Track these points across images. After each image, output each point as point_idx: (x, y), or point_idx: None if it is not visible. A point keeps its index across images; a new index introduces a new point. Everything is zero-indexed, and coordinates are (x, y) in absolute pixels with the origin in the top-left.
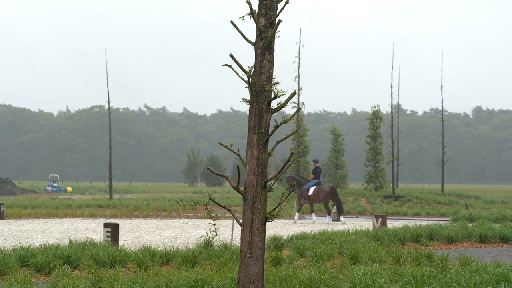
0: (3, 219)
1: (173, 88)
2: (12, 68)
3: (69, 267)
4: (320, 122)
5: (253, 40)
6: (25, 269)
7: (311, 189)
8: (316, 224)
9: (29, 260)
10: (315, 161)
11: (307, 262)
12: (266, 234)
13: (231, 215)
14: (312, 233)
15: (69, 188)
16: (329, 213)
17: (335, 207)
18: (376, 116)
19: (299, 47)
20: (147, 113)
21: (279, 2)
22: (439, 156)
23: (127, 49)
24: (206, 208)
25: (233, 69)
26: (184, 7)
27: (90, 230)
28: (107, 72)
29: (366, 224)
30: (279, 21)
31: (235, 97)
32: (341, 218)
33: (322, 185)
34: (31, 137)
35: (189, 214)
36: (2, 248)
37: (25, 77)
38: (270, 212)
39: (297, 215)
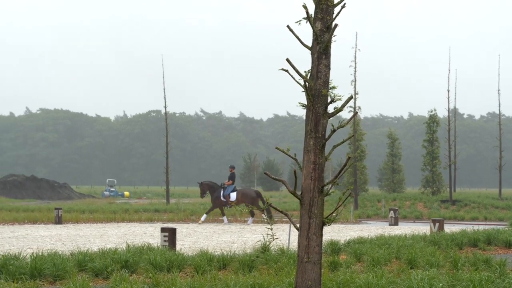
0: (61, 223)
1: (229, 93)
2: (70, 73)
3: (126, 272)
4: (377, 126)
5: (309, 45)
6: (83, 273)
7: (232, 194)
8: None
9: (87, 264)
10: (232, 167)
11: (364, 267)
12: (323, 239)
13: (288, 219)
14: (369, 237)
15: (126, 193)
16: (252, 215)
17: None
18: (433, 120)
19: (355, 51)
20: (204, 118)
21: (336, 6)
22: (496, 160)
23: (183, 54)
24: (263, 212)
25: (289, 74)
26: (239, 12)
27: (148, 234)
28: (163, 77)
29: (423, 228)
30: (336, 25)
31: (291, 101)
32: (250, 221)
33: (245, 190)
34: (88, 142)
35: (245, 219)
36: (60, 252)
37: (82, 82)
38: (327, 216)
39: (225, 218)
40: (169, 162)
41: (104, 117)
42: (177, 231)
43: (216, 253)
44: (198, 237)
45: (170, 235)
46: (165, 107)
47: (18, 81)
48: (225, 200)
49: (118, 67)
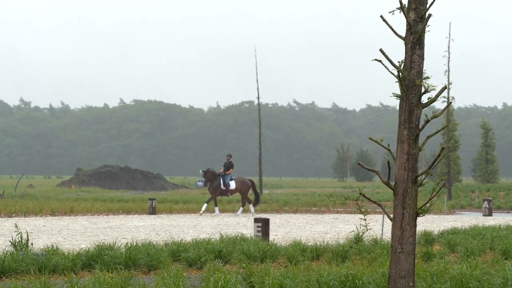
0: (155, 214)
1: (322, 83)
2: (162, 66)
3: (220, 262)
4: (470, 116)
5: (403, 35)
6: (177, 263)
7: (232, 183)
8: (235, 217)
9: (180, 254)
10: (230, 156)
11: (458, 258)
12: (416, 229)
13: (381, 210)
14: (463, 228)
15: None
16: (243, 204)
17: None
18: None
19: (449, 41)
20: (296, 109)
21: None
22: None
23: (276, 45)
24: (357, 203)
25: (383, 64)
26: (332, 2)
27: (241, 225)
28: (256, 68)
29: None
30: (429, 15)
31: (384, 91)
32: (252, 209)
33: (241, 178)
34: (181, 132)
35: (339, 209)
36: (154, 242)
37: (175, 74)
38: (421, 207)
39: (217, 209)
40: (262, 153)
41: (197, 108)
42: (270, 221)
43: (309, 244)
44: (291, 228)
45: (263, 225)
46: (258, 98)
47: (112, 73)
48: (225, 189)
49: (211, 58)
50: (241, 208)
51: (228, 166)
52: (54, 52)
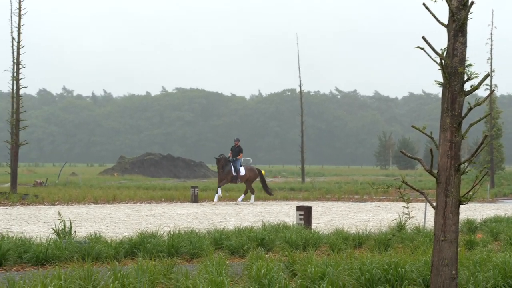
0: (197, 202)
1: (364, 71)
2: (204, 54)
3: (262, 250)
4: None
5: (445, 22)
6: (219, 251)
7: (242, 169)
8: (248, 204)
9: (223, 242)
10: (238, 140)
11: (501, 246)
12: (459, 217)
13: (423, 198)
14: (506, 216)
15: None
16: (246, 192)
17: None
18: None
19: (492, 28)
20: (338, 97)
21: None
22: None
23: (318, 33)
24: (399, 191)
25: (425, 52)
26: None
27: (283, 213)
28: (298, 56)
29: None
30: (472, 2)
31: (426, 79)
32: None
33: (250, 166)
34: (224, 121)
35: (381, 197)
36: (196, 230)
37: (217, 62)
38: (464, 195)
39: (216, 197)
40: (304, 141)
41: (239, 96)
42: (312, 209)
43: (352, 232)
44: (333, 216)
45: (306, 213)
46: (300, 86)
47: (154, 62)
48: (235, 175)
49: (253, 47)
50: (242, 196)
51: (238, 150)
52: (96, 40)
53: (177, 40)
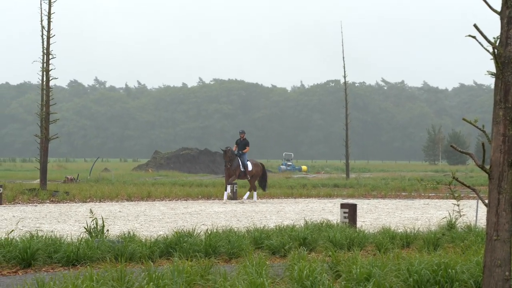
0: (236, 199)
1: (412, 61)
2: (244, 42)
3: (305, 249)
4: None
5: (498, 9)
6: (259, 251)
7: (249, 164)
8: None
9: (263, 242)
10: (244, 132)
11: None
12: None
13: (475, 195)
14: None
15: (304, 167)
16: (255, 189)
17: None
18: None
19: None
20: (385, 88)
21: None
22: None
23: (363, 21)
24: (449, 187)
25: (477, 40)
26: None
27: (326, 210)
28: (342, 45)
29: None
30: None
31: (478, 69)
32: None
33: (254, 161)
34: (264, 113)
35: (430, 194)
36: (235, 229)
37: (257, 51)
38: None
39: (226, 194)
40: (348, 135)
41: (280, 88)
42: (358, 207)
43: (399, 231)
44: (379, 214)
45: (350, 211)
46: (345, 77)
47: (190, 52)
48: (243, 170)
49: (295, 35)
50: (248, 193)
51: (244, 144)
52: (130, 29)
53: (214, 29)
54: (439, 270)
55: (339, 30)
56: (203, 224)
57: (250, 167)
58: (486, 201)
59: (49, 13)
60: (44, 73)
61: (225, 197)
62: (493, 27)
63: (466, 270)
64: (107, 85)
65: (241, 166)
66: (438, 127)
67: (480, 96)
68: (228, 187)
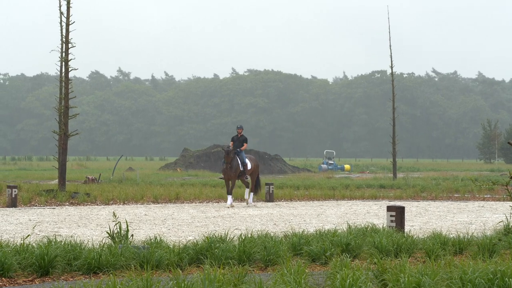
0: (272, 201)
1: (465, 50)
2: (281, 30)
3: (348, 256)
4: None
5: None
6: (298, 258)
7: (249, 162)
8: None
9: (302, 248)
10: (242, 127)
11: None
12: None
13: None
14: None
15: (347, 166)
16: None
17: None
18: None
19: None
20: (436, 79)
21: None
22: None
23: (412, 6)
24: (507, 188)
25: None
26: None
27: (371, 214)
28: (389, 33)
29: None
30: None
31: None
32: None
33: (250, 156)
34: (303, 107)
35: (485, 196)
36: (272, 234)
37: (295, 39)
38: None
39: (230, 198)
40: (396, 131)
41: (321, 79)
42: (406, 210)
43: (451, 236)
44: (429, 217)
45: (398, 214)
46: (392, 67)
47: (222, 40)
48: (243, 169)
49: (336, 21)
50: (251, 194)
51: (242, 140)
52: (156, 16)
53: (247, 16)
54: (495, 279)
55: (385, 15)
56: (236, 229)
57: (249, 165)
58: None
59: None
60: (63, 63)
61: (229, 201)
62: None
63: None
64: (132, 76)
65: (240, 165)
66: (494, 122)
67: None
68: (230, 195)
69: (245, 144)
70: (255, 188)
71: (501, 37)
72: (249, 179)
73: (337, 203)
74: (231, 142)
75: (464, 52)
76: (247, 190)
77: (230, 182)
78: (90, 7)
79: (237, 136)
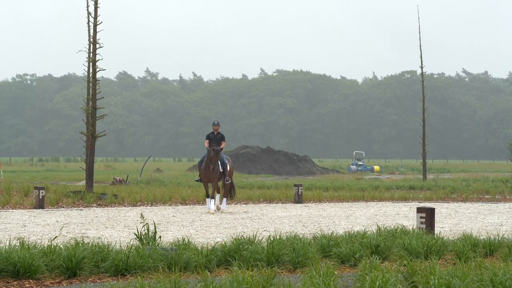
0: (301, 202)
1: (496, 49)
2: (309, 30)
3: (377, 258)
4: None
5: None
6: (327, 259)
7: (227, 163)
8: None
9: (331, 249)
10: (218, 124)
11: None
12: None
13: None
14: None
15: (376, 167)
16: (232, 193)
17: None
18: None
19: None
20: (466, 79)
21: None
22: None
23: (442, 5)
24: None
25: None
26: None
27: (401, 215)
28: (419, 32)
29: None
30: None
31: None
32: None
33: (226, 156)
34: (332, 108)
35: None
36: (301, 235)
37: (323, 41)
38: None
39: (212, 203)
40: (426, 131)
41: (351, 80)
42: (436, 211)
43: (482, 238)
44: (460, 219)
45: (428, 216)
46: (422, 67)
47: (250, 40)
48: (222, 171)
49: (366, 21)
50: (224, 199)
51: (219, 138)
52: (184, 15)
53: (276, 14)
54: None
55: (415, 14)
56: (265, 230)
57: (228, 166)
58: None
59: None
60: (91, 64)
61: (212, 206)
62: None
63: None
64: (160, 77)
65: (220, 167)
66: None
67: None
68: (212, 199)
69: (223, 143)
70: (230, 191)
71: None
72: (230, 181)
73: (367, 205)
74: (207, 141)
75: (495, 52)
76: (218, 196)
77: (210, 184)
78: (118, 6)
79: (213, 134)
